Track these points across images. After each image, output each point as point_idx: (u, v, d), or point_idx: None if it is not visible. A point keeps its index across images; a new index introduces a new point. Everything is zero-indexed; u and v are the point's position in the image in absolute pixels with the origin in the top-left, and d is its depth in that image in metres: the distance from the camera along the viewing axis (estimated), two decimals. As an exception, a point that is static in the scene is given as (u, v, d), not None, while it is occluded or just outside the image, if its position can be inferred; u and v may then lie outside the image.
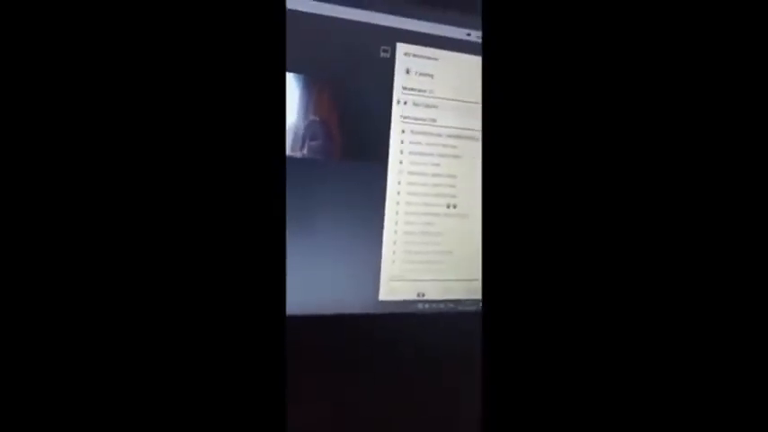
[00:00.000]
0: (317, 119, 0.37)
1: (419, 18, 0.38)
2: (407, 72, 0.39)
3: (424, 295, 0.40)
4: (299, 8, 0.36)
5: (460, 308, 0.41)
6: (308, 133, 0.37)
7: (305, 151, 0.37)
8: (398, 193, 0.39)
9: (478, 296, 0.40)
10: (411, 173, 0.39)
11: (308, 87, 0.37)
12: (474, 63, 0.39)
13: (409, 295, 0.40)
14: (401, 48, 0.38)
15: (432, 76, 0.39)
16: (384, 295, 0.39)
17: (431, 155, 0.40)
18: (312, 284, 0.38)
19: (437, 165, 0.40)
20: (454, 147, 0.40)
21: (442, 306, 0.41)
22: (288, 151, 0.37)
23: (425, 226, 0.40)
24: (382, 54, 0.38)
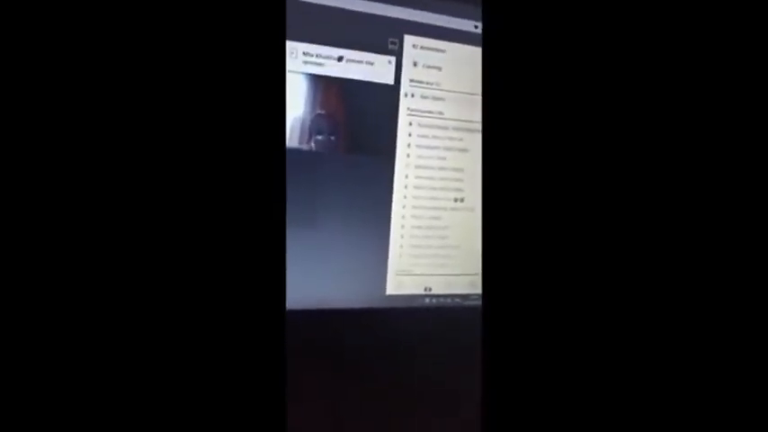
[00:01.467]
0: (324, 112, 0.37)
1: (426, 9, 0.38)
2: (415, 64, 0.38)
3: (430, 290, 0.40)
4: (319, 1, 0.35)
5: (467, 302, 0.41)
6: (315, 127, 0.37)
7: (311, 145, 0.37)
8: (405, 186, 0.39)
9: (486, 291, 0.40)
10: (418, 166, 0.39)
11: (315, 80, 0.36)
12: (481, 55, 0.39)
13: (416, 290, 0.40)
14: (409, 40, 0.38)
15: (439, 68, 0.39)
16: (391, 290, 0.39)
17: (438, 148, 0.39)
18: (319, 279, 0.38)
19: (444, 158, 0.39)
20: (461, 140, 0.40)
21: (448, 301, 0.41)
22: (294, 145, 0.36)
23: (432, 220, 0.40)
24: (390, 46, 0.37)
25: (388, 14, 0.37)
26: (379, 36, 0.37)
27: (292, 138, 0.36)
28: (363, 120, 0.38)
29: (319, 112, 0.37)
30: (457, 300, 0.41)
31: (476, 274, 0.40)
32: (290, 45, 0.35)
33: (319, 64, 0.36)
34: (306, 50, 0.36)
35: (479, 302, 0.40)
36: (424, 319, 0.40)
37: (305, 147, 0.37)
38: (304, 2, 0.35)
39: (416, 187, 0.39)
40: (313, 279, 0.37)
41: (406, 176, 0.39)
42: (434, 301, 0.40)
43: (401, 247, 0.39)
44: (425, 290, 0.40)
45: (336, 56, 0.36)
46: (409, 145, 0.39)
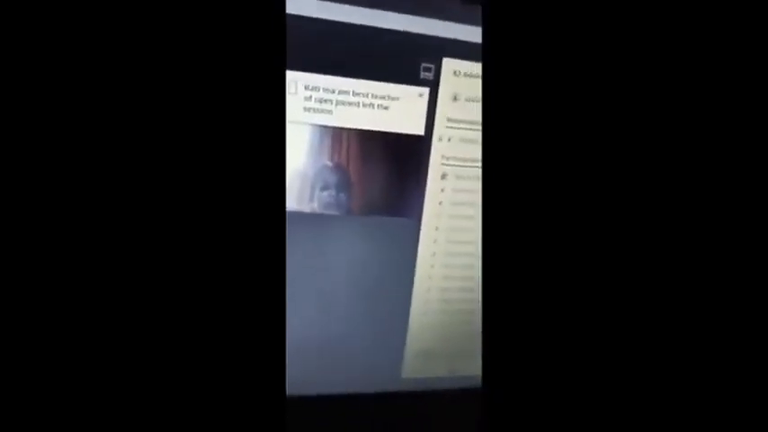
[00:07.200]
0: (332, 164, 0.28)
1: (472, 23, 0.28)
2: (455, 99, 0.29)
3: (456, 372, 0.34)
4: (313, 14, 0.26)
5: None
6: (320, 181, 0.29)
7: (314, 204, 0.29)
8: (434, 254, 0.31)
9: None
10: (452, 229, 0.31)
11: (320, 126, 0.28)
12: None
13: (439, 372, 0.33)
14: (448, 64, 0.28)
15: (486, 103, 0.29)
16: (408, 372, 0.33)
17: (478, 206, 0.31)
18: (326, 359, 0.31)
19: (485, 217, 0.31)
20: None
21: (478, 384, 0.34)
22: (292, 205, 0.28)
23: (464, 293, 0.32)
24: (423, 74, 0.28)
25: (422, 31, 0.27)
26: (408, 61, 0.28)
27: (289, 196, 0.28)
28: (382, 172, 0.29)
29: (327, 162, 0.28)
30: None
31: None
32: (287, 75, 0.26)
33: (325, 111, 0.27)
34: (309, 83, 0.27)
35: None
36: (448, 405, 0.34)
37: (305, 207, 0.29)
38: (303, 17, 0.26)
39: (448, 254, 0.31)
40: (319, 359, 0.31)
41: (435, 241, 0.31)
42: (461, 384, 0.34)
43: (423, 324, 0.32)
44: (450, 371, 0.34)
45: (348, 92, 0.27)
46: (441, 203, 0.30)
